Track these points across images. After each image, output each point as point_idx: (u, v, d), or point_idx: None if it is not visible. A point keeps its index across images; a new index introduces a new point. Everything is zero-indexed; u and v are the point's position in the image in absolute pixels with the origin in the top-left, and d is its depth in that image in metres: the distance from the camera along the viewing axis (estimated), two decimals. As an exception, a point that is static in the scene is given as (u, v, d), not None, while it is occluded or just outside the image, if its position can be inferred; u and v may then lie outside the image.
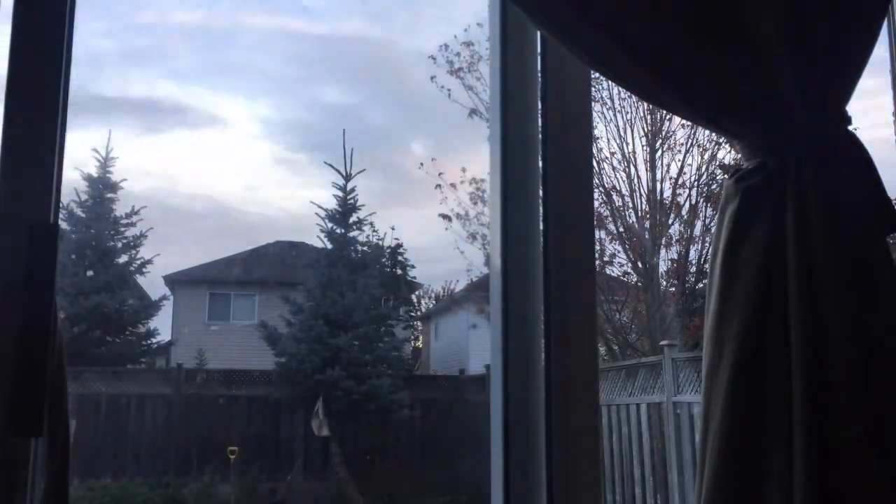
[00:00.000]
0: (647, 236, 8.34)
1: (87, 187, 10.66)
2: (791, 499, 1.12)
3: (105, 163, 10.80)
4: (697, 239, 8.31)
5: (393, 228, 10.75)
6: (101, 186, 10.72)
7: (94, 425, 9.04)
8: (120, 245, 10.80)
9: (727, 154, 8.06)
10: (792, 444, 1.13)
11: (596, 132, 7.86)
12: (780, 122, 1.24)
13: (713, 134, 7.01)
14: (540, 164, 1.52)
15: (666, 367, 6.26)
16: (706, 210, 8.21)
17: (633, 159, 8.48)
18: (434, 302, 14.88)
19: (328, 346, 9.27)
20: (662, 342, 7.20)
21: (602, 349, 8.18)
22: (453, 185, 9.29)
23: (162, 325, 11.55)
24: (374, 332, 9.73)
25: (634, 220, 8.48)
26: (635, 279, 8.46)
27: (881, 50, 1.59)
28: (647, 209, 8.43)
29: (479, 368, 9.97)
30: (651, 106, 7.63)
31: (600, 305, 7.98)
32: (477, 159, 9.61)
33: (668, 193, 8.44)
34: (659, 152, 8.46)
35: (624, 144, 8.47)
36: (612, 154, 8.48)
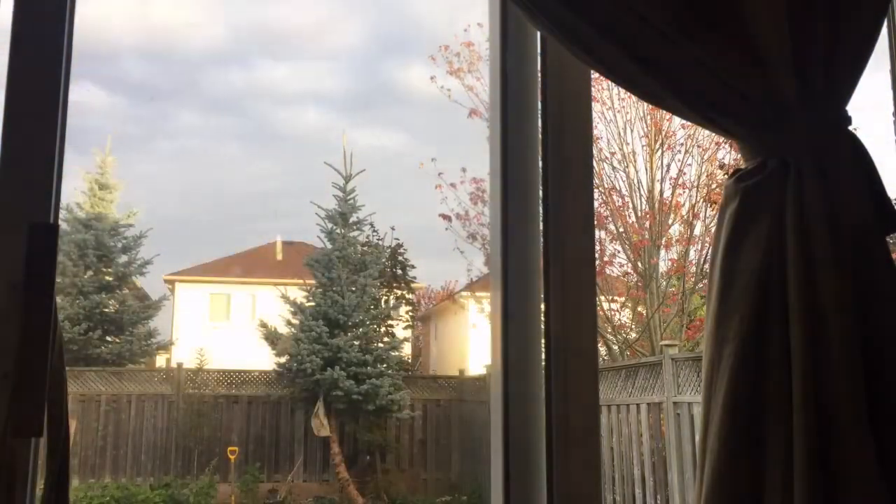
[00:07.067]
0: (647, 236, 8.34)
1: (87, 187, 10.67)
2: (791, 498, 1.12)
3: (105, 163, 10.82)
4: (697, 239, 8.31)
5: (393, 228, 10.76)
6: (101, 187, 10.73)
7: (94, 425, 9.04)
8: (120, 245, 10.81)
9: (727, 154, 8.07)
10: (792, 443, 1.13)
11: (596, 132, 7.85)
12: (780, 122, 1.24)
13: (713, 134, 7.01)
14: (540, 164, 1.52)
15: (666, 367, 6.26)
16: (706, 210, 8.21)
17: (632, 159, 8.49)
18: (434, 302, 14.89)
19: (328, 346, 9.27)
20: (662, 342, 7.20)
21: (602, 349, 8.18)
22: (453, 185, 9.30)
23: (162, 325, 11.57)
24: (374, 332, 9.73)
25: (634, 219, 8.48)
26: (635, 279, 8.46)
27: (881, 50, 1.59)
28: (647, 209, 8.43)
29: (479, 368, 9.97)
30: (651, 106, 7.63)
31: (600, 305, 7.98)
32: (477, 159, 9.61)
33: (668, 193, 8.44)
34: (659, 152, 8.46)
35: (624, 144, 8.48)
36: (612, 154, 8.49)
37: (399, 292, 10.65)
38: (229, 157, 15.98)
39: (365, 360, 9.28)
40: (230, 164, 15.71)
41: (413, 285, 11.21)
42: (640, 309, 8.50)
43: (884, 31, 1.43)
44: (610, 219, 8.40)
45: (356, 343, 9.42)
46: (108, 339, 10.40)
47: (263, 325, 9.76)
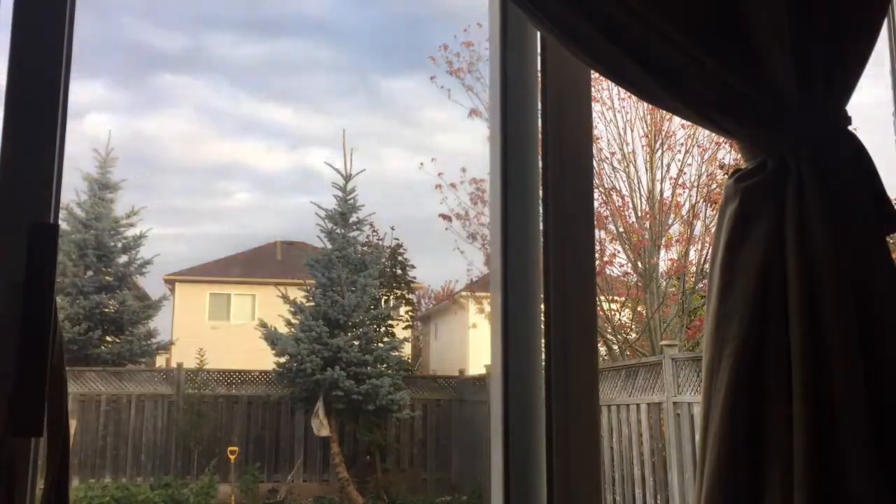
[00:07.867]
0: (647, 236, 8.34)
1: (87, 187, 10.67)
2: (791, 498, 1.12)
3: (105, 163, 10.82)
4: (697, 239, 8.31)
5: (393, 228, 10.76)
6: (101, 187, 10.73)
7: (94, 425, 9.04)
8: (120, 245, 10.81)
9: (727, 154, 8.07)
10: (792, 443, 1.13)
11: (596, 132, 7.84)
12: (780, 122, 1.24)
13: (713, 134, 7.01)
14: (540, 164, 1.52)
15: (666, 367, 6.25)
16: (706, 210, 8.21)
17: (632, 159, 8.49)
18: (434, 302, 14.89)
19: (328, 346, 9.26)
20: (662, 342, 7.20)
21: (602, 349, 8.18)
22: (453, 185, 9.30)
23: (162, 325, 11.57)
24: (374, 332, 9.73)
25: (634, 219, 8.48)
26: (635, 279, 8.46)
27: (881, 50, 1.59)
28: (647, 209, 8.43)
29: (479, 368, 9.97)
30: (651, 106, 7.63)
31: (600, 305, 7.98)
32: (477, 159, 9.61)
33: (668, 193, 8.44)
34: (659, 152, 8.46)
35: (624, 144, 8.48)
36: (612, 154, 8.49)
37: (399, 292, 10.64)
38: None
39: (365, 360, 9.27)
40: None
41: (413, 285, 11.21)
42: (640, 309, 8.49)
43: (884, 31, 1.43)
44: (610, 219, 8.39)
45: (356, 343, 9.41)
46: (108, 339, 10.40)
47: (263, 325, 9.75)
